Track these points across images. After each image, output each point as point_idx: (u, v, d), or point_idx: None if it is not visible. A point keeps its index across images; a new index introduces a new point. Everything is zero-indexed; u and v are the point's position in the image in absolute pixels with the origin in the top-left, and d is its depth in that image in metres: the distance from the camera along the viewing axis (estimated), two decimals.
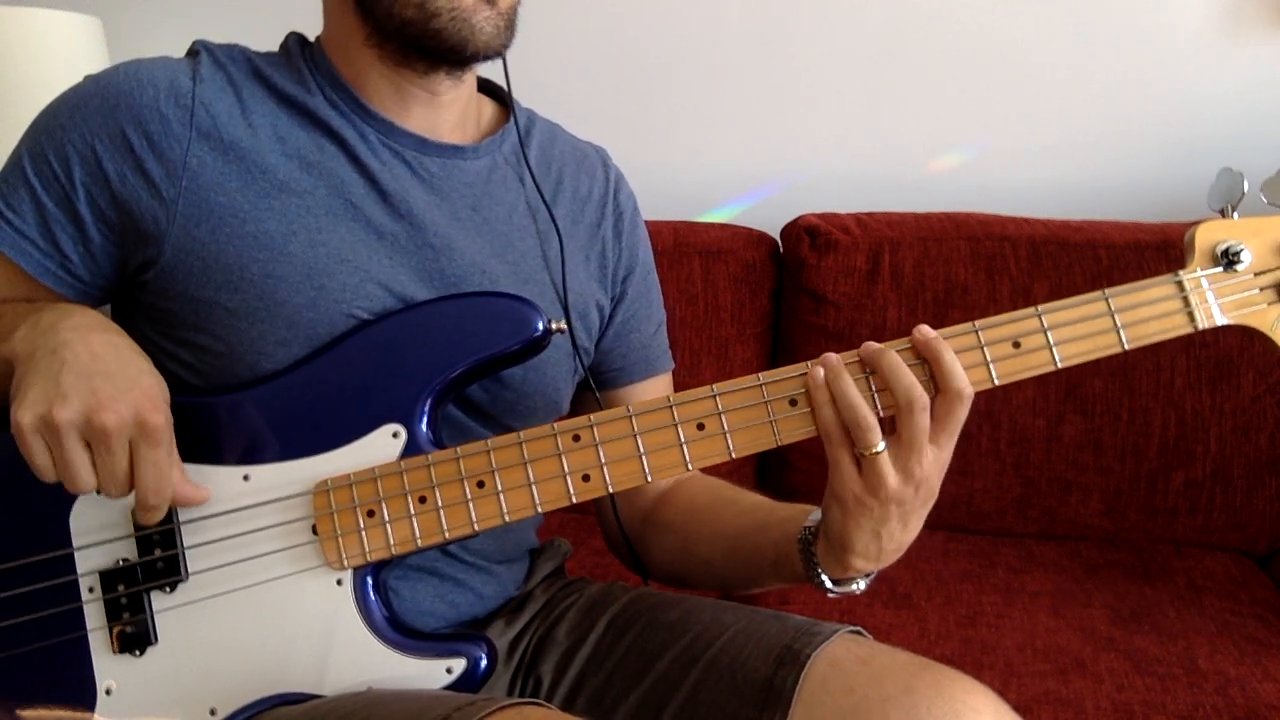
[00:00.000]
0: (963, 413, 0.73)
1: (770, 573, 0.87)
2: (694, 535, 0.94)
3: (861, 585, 0.81)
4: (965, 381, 0.72)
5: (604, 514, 1.02)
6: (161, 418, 0.73)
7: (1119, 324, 0.76)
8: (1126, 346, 0.76)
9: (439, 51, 0.83)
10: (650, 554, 0.98)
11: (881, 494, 0.73)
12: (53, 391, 0.70)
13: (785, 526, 0.84)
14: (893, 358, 0.73)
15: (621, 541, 0.99)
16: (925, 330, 0.74)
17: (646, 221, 1.06)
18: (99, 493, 0.73)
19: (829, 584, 0.80)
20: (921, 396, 0.72)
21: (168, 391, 0.75)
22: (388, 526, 0.77)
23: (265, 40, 0.91)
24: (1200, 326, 0.76)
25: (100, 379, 0.71)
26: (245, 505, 0.78)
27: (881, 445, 0.72)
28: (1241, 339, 1.37)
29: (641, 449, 0.77)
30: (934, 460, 0.73)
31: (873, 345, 0.74)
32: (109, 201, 0.80)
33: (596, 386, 0.97)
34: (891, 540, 0.76)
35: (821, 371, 0.74)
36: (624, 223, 1.00)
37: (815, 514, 0.82)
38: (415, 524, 0.77)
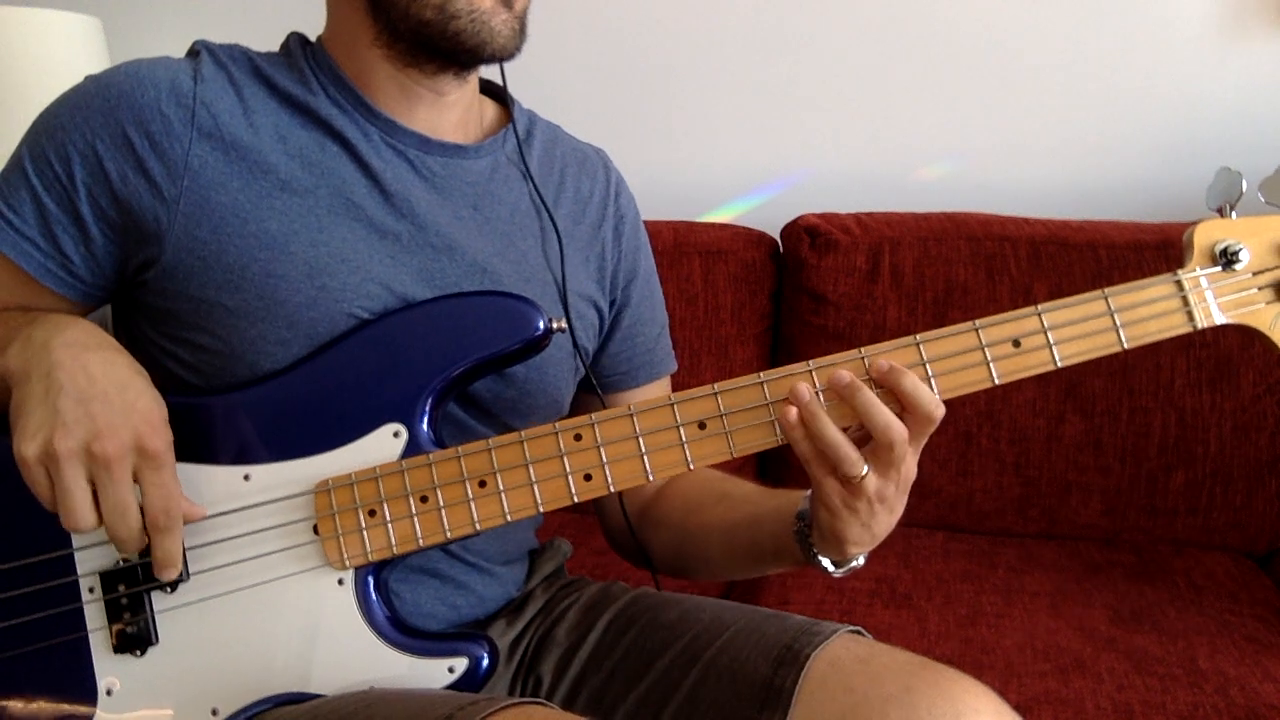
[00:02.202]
0: (932, 428, 0.74)
1: (772, 562, 0.90)
2: (689, 531, 0.95)
3: (861, 560, 0.83)
4: (934, 403, 0.73)
5: (607, 512, 1.03)
6: (161, 441, 0.72)
7: (1118, 323, 0.76)
8: (1126, 346, 0.76)
9: (455, 53, 0.83)
10: (649, 549, 0.99)
11: (865, 498, 0.75)
12: (53, 420, 0.70)
13: (779, 518, 0.85)
14: (866, 397, 0.73)
15: (627, 539, 1.00)
16: (879, 364, 0.74)
17: (646, 221, 1.06)
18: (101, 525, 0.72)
19: (831, 568, 0.83)
20: (901, 432, 0.73)
21: (165, 410, 0.75)
22: (389, 526, 0.77)
23: (266, 40, 0.92)
24: (1199, 326, 0.77)
25: (98, 404, 0.71)
26: (246, 505, 0.78)
27: (866, 469, 0.74)
28: (1241, 339, 1.37)
29: (643, 448, 0.77)
30: (910, 463, 0.76)
31: (843, 379, 0.74)
32: (110, 201, 0.80)
33: (601, 390, 0.97)
34: (880, 525, 0.78)
35: (794, 412, 0.74)
36: (625, 225, 1.01)
37: (804, 503, 0.83)
38: (417, 523, 0.77)
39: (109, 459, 0.70)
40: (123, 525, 0.71)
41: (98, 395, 0.71)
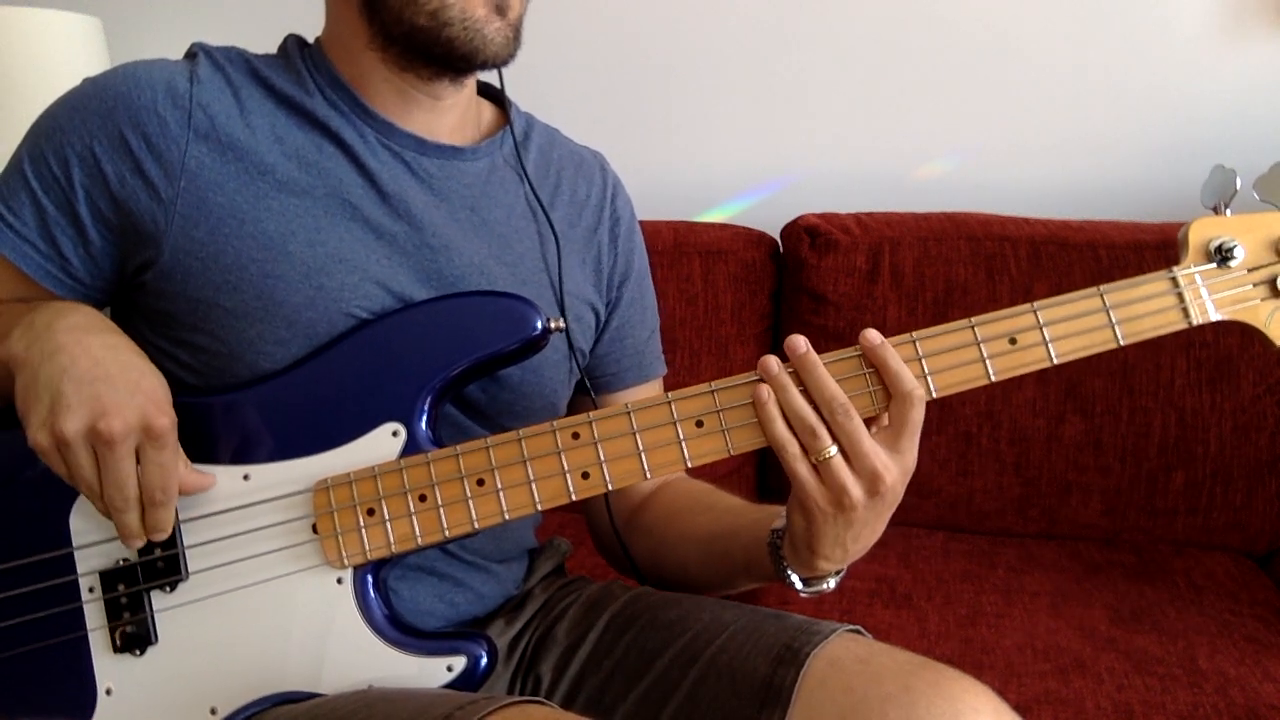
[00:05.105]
0: (917, 415, 0.74)
1: (743, 575, 0.89)
2: (669, 539, 0.95)
3: (832, 584, 0.82)
4: (913, 384, 0.73)
5: (595, 515, 1.03)
6: (166, 419, 0.73)
7: (1114, 320, 0.76)
8: (1122, 342, 0.76)
9: (448, 59, 0.83)
10: (632, 556, 0.99)
11: (845, 503, 0.73)
12: (57, 403, 0.71)
13: (754, 530, 0.85)
14: (817, 372, 0.74)
15: (613, 543, 1.00)
16: (870, 337, 0.75)
17: (645, 221, 1.06)
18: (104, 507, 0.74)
19: (799, 585, 0.82)
20: (844, 403, 0.73)
21: (169, 389, 0.76)
22: (388, 525, 0.77)
23: (266, 41, 0.92)
24: (1195, 322, 0.77)
25: (102, 385, 0.71)
26: (245, 504, 0.78)
27: (833, 450, 0.73)
28: (1241, 339, 1.37)
29: (640, 446, 0.77)
30: (896, 466, 0.74)
31: (798, 347, 0.75)
32: (108, 203, 0.80)
33: (591, 391, 0.97)
34: (856, 543, 0.77)
35: (765, 389, 0.75)
36: (621, 228, 1.01)
37: (781, 520, 0.82)
38: (415, 522, 0.77)
39: (113, 437, 0.71)
40: (120, 499, 0.72)
41: (101, 376, 0.72)
